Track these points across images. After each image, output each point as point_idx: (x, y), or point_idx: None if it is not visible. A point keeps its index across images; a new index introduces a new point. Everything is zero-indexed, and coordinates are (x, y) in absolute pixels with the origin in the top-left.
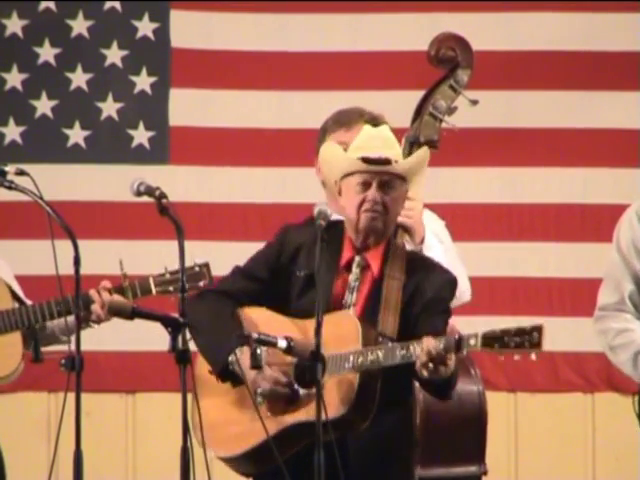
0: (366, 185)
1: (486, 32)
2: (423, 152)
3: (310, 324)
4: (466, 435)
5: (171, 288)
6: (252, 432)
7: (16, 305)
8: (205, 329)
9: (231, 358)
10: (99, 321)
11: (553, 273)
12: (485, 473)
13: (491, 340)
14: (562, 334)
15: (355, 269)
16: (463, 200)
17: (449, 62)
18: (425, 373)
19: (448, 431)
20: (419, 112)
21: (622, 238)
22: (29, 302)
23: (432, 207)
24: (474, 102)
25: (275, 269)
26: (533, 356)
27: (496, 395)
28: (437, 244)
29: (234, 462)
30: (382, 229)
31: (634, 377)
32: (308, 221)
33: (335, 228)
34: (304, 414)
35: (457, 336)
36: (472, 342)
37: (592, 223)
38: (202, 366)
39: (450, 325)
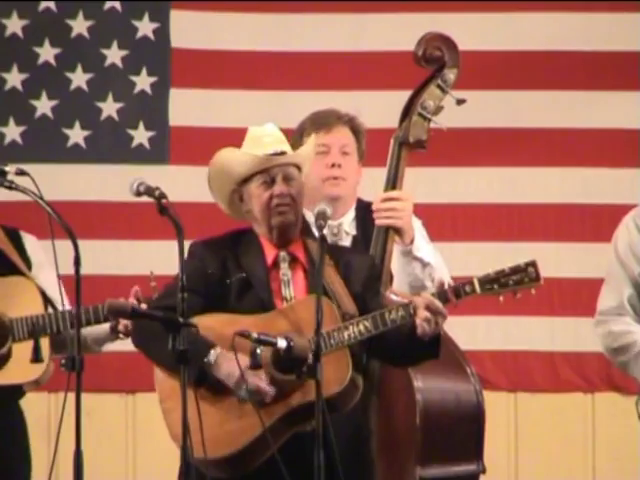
0: (270, 182)
1: (486, 32)
2: (312, 140)
3: (271, 316)
4: (464, 434)
5: None
6: (244, 429)
7: (49, 310)
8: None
9: (206, 360)
10: (127, 333)
11: (553, 273)
12: (484, 471)
13: (489, 283)
14: (562, 334)
15: (282, 264)
16: (463, 200)
17: (436, 62)
18: (427, 327)
19: (446, 430)
20: (407, 112)
21: (619, 243)
22: (67, 307)
23: (432, 207)
24: (461, 101)
25: (206, 279)
26: (533, 291)
27: (496, 395)
28: (426, 244)
29: (226, 463)
30: (295, 220)
31: (637, 378)
32: (215, 237)
33: (245, 236)
34: (297, 399)
35: (452, 286)
36: (468, 289)
37: (592, 223)
38: (162, 384)
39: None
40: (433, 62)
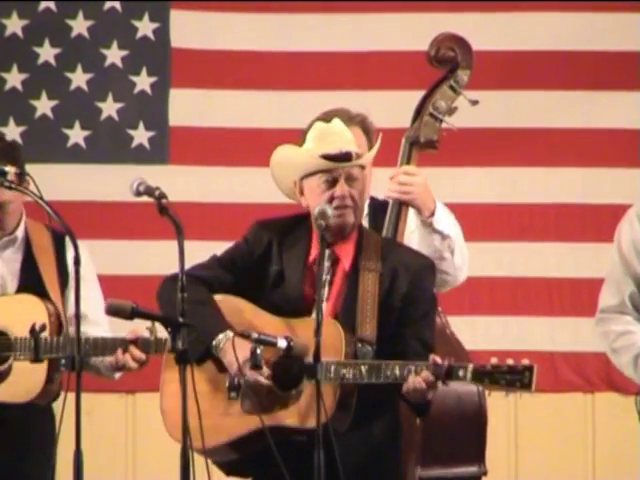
0: (332, 182)
1: (486, 32)
2: (378, 142)
3: (286, 322)
4: (466, 435)
5: None
6: (222, 427)
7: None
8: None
9: (215, 342)
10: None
11: (553, 273)
12: (485, 473)
13: (481, 375)
14: (562, 334)
15: (326, 262)
16: (463, 200)
17: (449, 62)
18: (412, 397)
19: (448, 431)
20: (419, 112)
21: (623, 239)
22: (99, 325)
23: None
24: (474, 102)
25: (248, 263)
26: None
27: (496, 395)
28: (447, 215)
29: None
30: (353, 221)
31: (635, 379)
32: (279, 218)
33: (302, 224)
34: (289, 418)
35: (447, 365)
36: (461, 374)
37: (592, 223)
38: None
39: (444, 323)
40: (446, 63)
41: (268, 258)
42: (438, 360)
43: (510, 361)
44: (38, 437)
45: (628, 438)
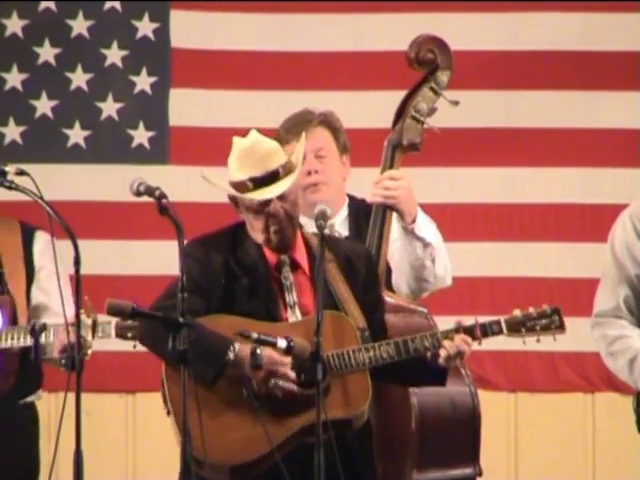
0: (264, 204)
1: (486, 32)
2: (299, 147)
3: (289, 326)
4: (460, 437)
5: (129, 334)
6: (258, 438)
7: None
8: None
9: (228, 358)
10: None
11: (553, 273)
12: (480, 474)
13: (516, 325)
14: (562, 334)
15: (284, 268)
16: (463, 200)
17: (429, 64)
18: (445, 363)
19: (443, 434)
20: (400, 115)
21: (616, 242)
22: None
23: (432, 207)
24: (455, 103)
25: (208, 284)
26: (553, 338)
27: (496, 395)
28: (428, 224)
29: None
30: (292, 232)
31: (630, 383)
32: (211, 234)
33: (242, 236)
34: (313, 416)
35: (480, 324)
36: (496, 328)
37: (592, 223)
38: (173, 384)
39: (432, 325)
40: (426, 64)
41: (229, 274)
42: (463, 323)
43: (532, 309)
44: (13, 435)
45: (628, 438)
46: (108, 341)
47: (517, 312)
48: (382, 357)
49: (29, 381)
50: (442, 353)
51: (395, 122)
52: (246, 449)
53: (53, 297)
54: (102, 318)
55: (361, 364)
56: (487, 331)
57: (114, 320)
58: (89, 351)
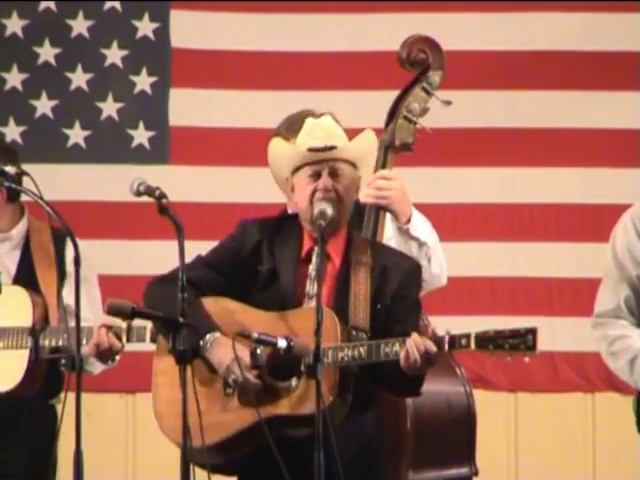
0: (316, 175)
1: (486, 32)
2: (367, 135)
3: (278, 316)
4: (456, 437)
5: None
6: (222, 423)
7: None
8: (168, 314)
9: (201, 343)
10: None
11: (553, 273)
12: (476, 474)
13: (485, 341)
14: (562, 334)
15: (315, 259)
16: (463, 200)
17: (420, 64)
18: (410, 369)
19: (438, 434)
20: (392, 115)
21: (617, 243)
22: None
23: (432, 207)
24: (447, 103)
25: (237, 262)
26: (527, 359)
27: (496, 395)
28: (423, 223)
29: (201, 453)
30: (336, 216)
31: (630, 383)
32: (265, 218)
33: (291, 222)
34: (283, 408)
35: (449, 335)
36: (464, 342)
37: (592, 223)
38: (161, 357)
39: (426, 324)
40: (417, 65)
41: (257, 257)
42: (437, 332)
43: (509, 327)
44: (33, 436)
45: (628, 438)
46: None
47: (492, 329)
48: (353, 357)
49: (53, 384)
50: (401, 356)
51: (387, 123)
52: (211, 432)
53: (82, 301)
54: (137, 323)
55: (333, 362)
56: (455, 344)
57: (149, 325)
58: (117, 356)
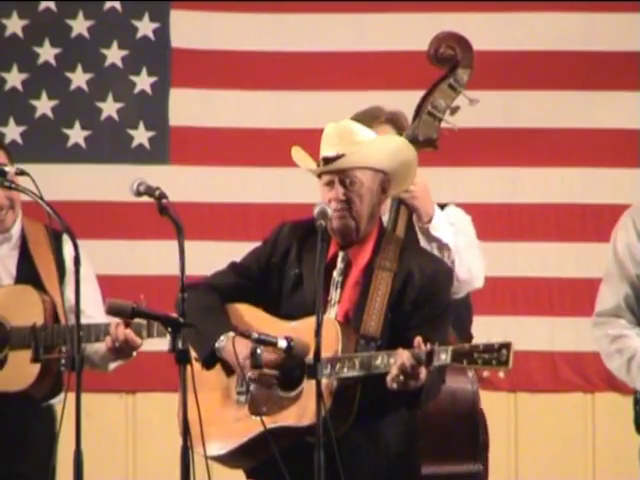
0: (331, 184)
1: (486, 32)
2: (376, 137)
3: (293, 325)
4: (460, 433)
5: None
6: (233, 433)
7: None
8: (192, 320)
9: (217, 345)
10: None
11: (553, 273)
12: (481, 471)
13: (460, 356)
14: (562, 334)
15: (340, 264)
16: (463, 200)
17: (449, 61)
18: (395, 385)
19: (442, 430)
20: (418, 111)
21: (618, 243)
22: (94, 319)
23: None
24: (474, 101)
25: (266, 268)
26: (501, 373)
27: (496, 395)
28: (447, 226)
29: (220, 460)
30: (353, 225)
31: (628, 382)
32: (302, 220)
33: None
34: (286, 418)
35: (428, 349)
36: (443, 357)
37: (592, 223)
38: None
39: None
40: (445, 61)
41: (286, 262)
42: (421, 346)
43: (483, 341)
44: (37, 436)
45: (628, 438)
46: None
47: (468, 344)
48: (348, 369)
49: (56, 384)
50: (388, 375)
51: (413, 119)
52: (222, 441)
53: (85, 300)
54: None
55: (329, 374)
56: (432, 359)
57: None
58: (134, 353)
